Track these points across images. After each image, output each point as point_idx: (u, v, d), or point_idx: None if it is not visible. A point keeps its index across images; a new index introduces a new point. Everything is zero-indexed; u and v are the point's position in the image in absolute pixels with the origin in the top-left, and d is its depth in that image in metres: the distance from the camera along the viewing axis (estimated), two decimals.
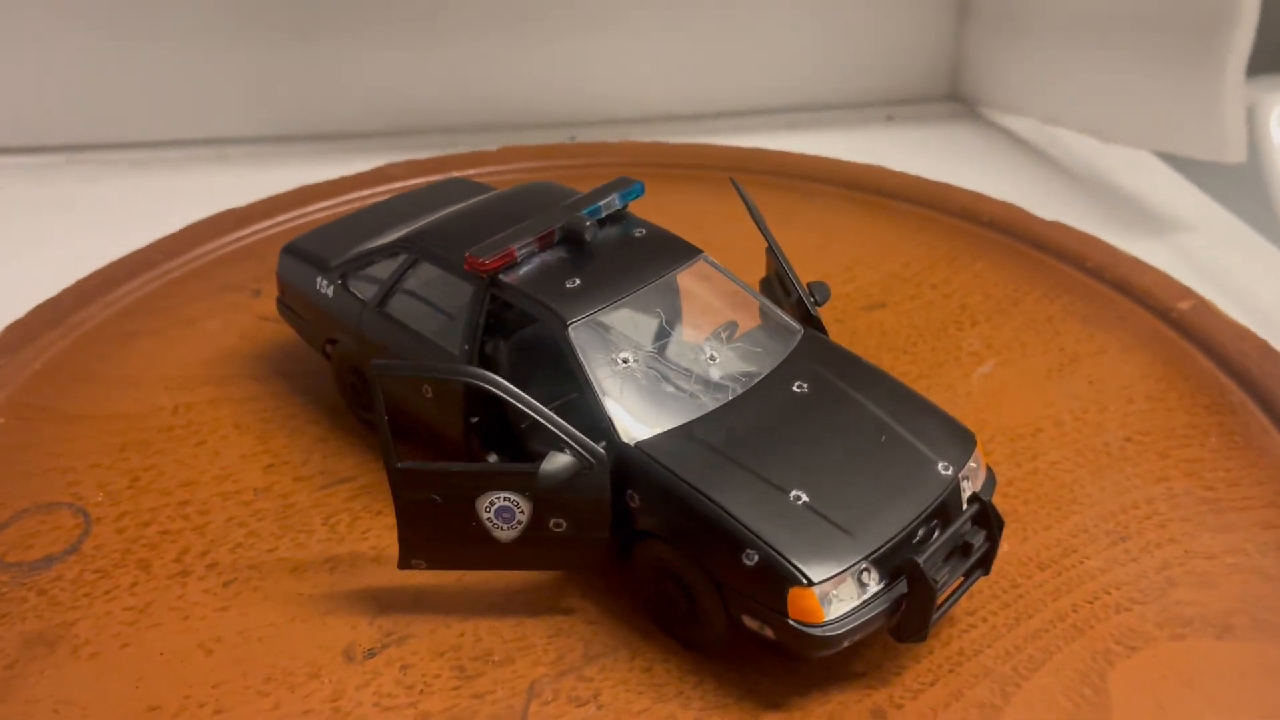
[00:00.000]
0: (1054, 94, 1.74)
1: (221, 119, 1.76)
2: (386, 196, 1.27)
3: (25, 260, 1.42)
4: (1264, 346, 1.14)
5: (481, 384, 0.80)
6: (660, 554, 0.81)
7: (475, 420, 0.92)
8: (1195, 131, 1.52)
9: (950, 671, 0.81)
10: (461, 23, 1.77)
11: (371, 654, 0.83)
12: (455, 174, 1.47)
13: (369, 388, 0.90)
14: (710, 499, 0.77)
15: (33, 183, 1.64)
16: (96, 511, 0.97)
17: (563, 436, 0.80)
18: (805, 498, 0.78)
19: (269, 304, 1.26)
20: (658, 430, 0.82)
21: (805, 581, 0.74)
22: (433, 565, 0.85)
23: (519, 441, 0.93)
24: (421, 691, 0.80)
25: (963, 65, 1.95)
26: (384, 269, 1.00)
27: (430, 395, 0.93)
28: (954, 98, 1.98)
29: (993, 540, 0.81)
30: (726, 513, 0.77)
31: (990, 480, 0.86)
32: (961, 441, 0.85)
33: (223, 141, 1.76)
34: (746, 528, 0.76)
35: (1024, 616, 0.85)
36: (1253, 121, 1.68)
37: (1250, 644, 0.83)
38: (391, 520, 0.95)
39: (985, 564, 0.82)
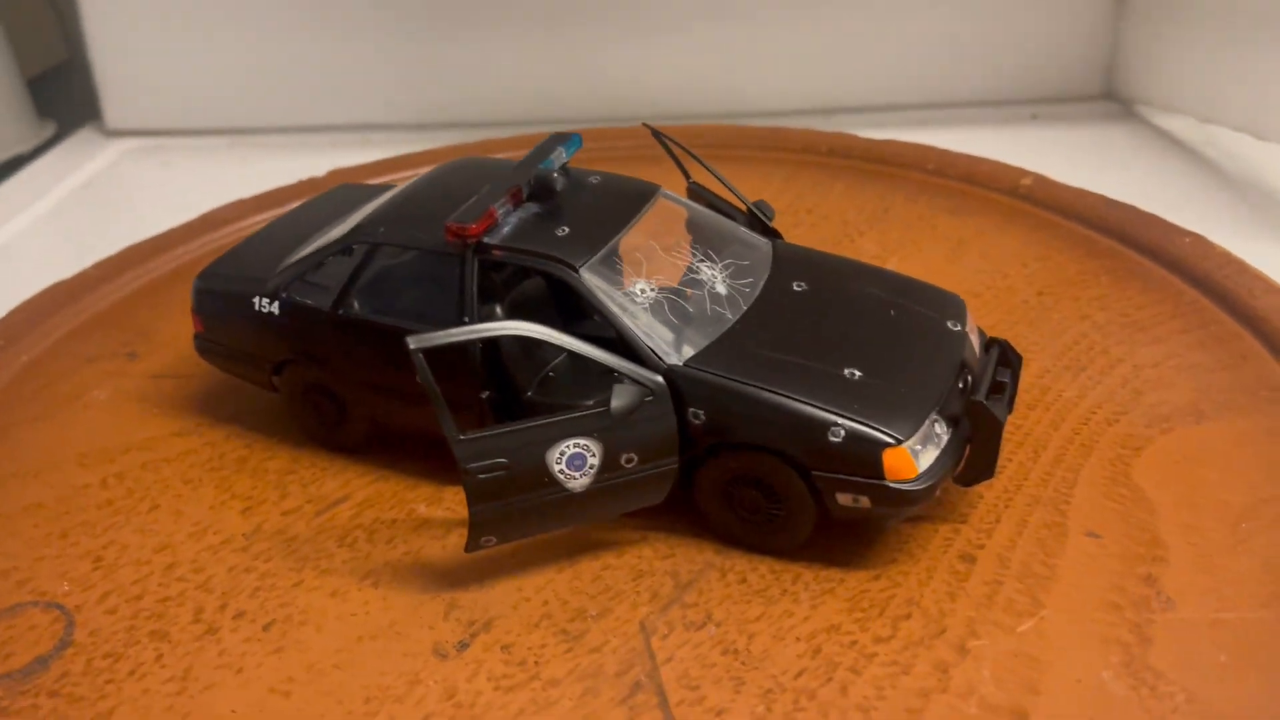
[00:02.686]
0: (1211, 89, 1.59)
1: (366, 106, 1.92)
2: None
3: None
4: (1104, 199, 1.29)
5: (528, 334, 0.78)
6: (734, 465, 0.82)
7: (486, 396, 0.88)
8: None
9: (1006, 507, 0.87)
10: (597, 15, 1.80)
11: (464, 645, 0.78)
12: None
13: (402, 369, 0.89)
14: (780, 393, 0.79)
15: (200, 161, 1.85)
16: (70, 601, 0.85)
17: (619, 369, 0.79)
18: (858, 373, 0.81)
19: (153, 363, 1.15)
20: (698, 347, 0.83)
21: (895, 440, 0.77)
22: (504, 539, 0.81)
23: (526, 409, 0.90)
24: (536, 663, 0.76)
25: (1119, 61, 1.81)
26: (333, 272, 0.94)
27: None
28: (1109, 96, 1.85)
29: (1015, 377, 0.87)
30: (801, 400, 0.79)
31: (980, 333, 0.93)
32: (954, 303, 0.92)
33: (367, 127, 1.92)
34: (825, 408, 0.78)
35: (1040, 448, 0.93)
36: None
37: (1223, 421, 0.94)
38: (416, 521, 0.90)
39: (1010, 402, 0.88)
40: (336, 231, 0.97)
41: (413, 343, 0.76)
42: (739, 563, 0.84)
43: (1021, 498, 0.88)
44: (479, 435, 0.78)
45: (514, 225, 0.88)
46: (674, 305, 0.85)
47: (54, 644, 0.81)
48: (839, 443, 0.77)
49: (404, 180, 1.50)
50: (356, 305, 0.92)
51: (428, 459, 0.96)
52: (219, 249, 1.37)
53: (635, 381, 0.79)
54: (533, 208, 0.90)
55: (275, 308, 0.95)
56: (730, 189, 1.01)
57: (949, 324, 0.88)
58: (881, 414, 0.78)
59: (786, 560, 0.83)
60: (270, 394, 1.02)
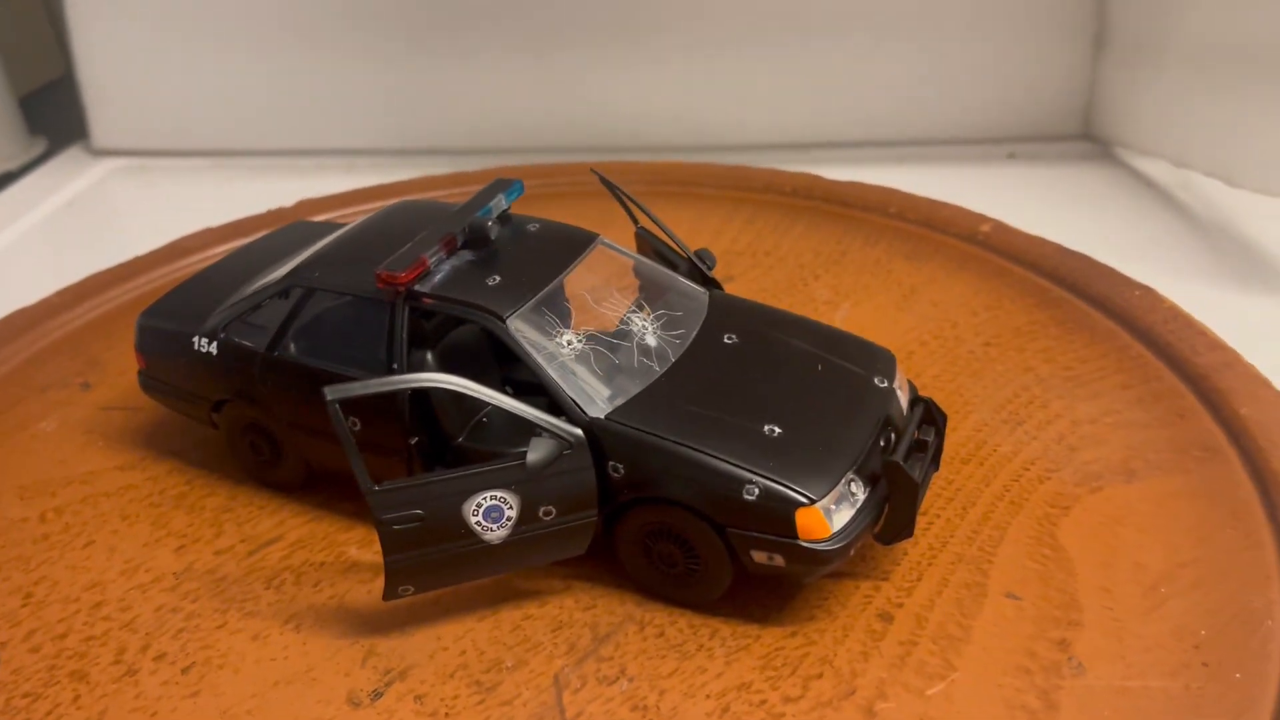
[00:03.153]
0: (1184, 133, 1.59)
1: (352, 132, 1.94)
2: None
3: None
4: (1059, 248, 1.29)
5: (446, 386, 0.79)
6: (653, 518, 0.82)
7: (415, 442, 0.89)
8: None
9: (929, 565, 0.87)
10: (572, 47, 1.84)
11: (378, 695, 0.79)
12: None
13: (323, 420, 0.89)
14: (697, 449, 0.80)
15: (184, 183, 1.88)
16: None
17: (538, 422, 0.80)
18: (778, 430, 0.82)
19: (106, 394, 1.16)
20: (621, 400, 0.83)
21: (808, 500, 0.77)
22: (422, 589, 0.82)
23: (456, 456, 0.91)
24: (447, 715, 0.77)
25: (1097, 101, 1.81)
26: (271, 314, 0.95)
27: (359, 427, 0.90)
28: (1087, 137, 1.85)
29: (940, 435, 0.88)
30: (717, 457, 0.79)
31: (912, 388, 0.94)
32: (885, 359, 0.92)
33: (353, 152, 1.94)
34: (740, 466, 0.79)
35: (969, 505, 0.93)
36: None
37: (1152, 480, 0.95)
38: (345, 564, 0.91)
39: (936, 459, 0.88)
40: (276, 273, 0.98)
41: (329, 393, 0.77)
42: (659, 616, 0.84)
43: (946, 555, 0.88)
44: (393, 487, 0.78)
45: (447, 273, 0.89)
46: (600, 357, 0.86)
47: None
48: (753, 500, 0.78)
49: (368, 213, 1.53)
50: (291, 348, 0.93)
51: (363, 500, 0.96)
52: (182, 278, 1.38)
53: (554, 434, 0.80)
54: (468, 255, 0.91)
55: (214, 348, 0.96)
56: (671, 237, 1.02)
57: (875, 380, 0.89)
58: (796, 472, 0.79)
59: (706, 614, 0.84)
60: (213, 430, 1.03)
